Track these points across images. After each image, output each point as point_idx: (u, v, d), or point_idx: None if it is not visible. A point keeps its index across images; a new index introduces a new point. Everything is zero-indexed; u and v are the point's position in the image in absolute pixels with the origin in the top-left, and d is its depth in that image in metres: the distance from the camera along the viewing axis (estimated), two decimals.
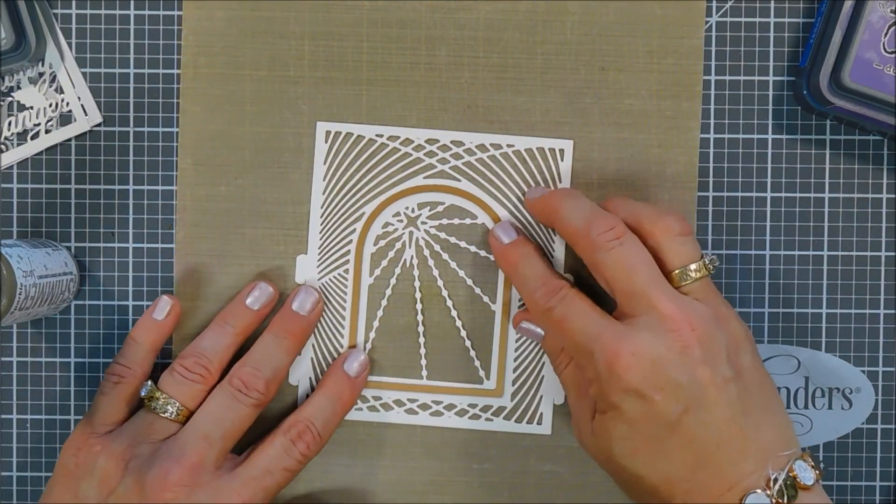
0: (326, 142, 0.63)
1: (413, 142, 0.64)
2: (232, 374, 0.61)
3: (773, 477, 0.54)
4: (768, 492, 0.54)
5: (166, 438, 0.59)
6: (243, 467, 0.60)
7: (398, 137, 0.64)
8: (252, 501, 0.59)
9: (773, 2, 0.64)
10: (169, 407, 0.60)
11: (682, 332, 0.55)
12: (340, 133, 0.63)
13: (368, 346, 0.64)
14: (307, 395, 0.64)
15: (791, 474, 0.54)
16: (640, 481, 0.56)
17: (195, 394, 0.60)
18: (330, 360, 0.64)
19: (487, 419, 0.64)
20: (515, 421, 0.64)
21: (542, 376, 0.64)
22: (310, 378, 0.64)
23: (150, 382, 0.61)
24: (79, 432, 0.60)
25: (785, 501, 0.54)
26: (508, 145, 0.64)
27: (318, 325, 0.64)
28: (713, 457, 0.55)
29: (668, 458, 0.55)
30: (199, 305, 0.64)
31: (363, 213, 0.64)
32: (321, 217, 0.64)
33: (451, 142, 0.64)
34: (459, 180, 0.64)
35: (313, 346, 0.64)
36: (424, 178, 0.64)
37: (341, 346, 0.64)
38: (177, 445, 0.59)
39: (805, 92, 0.62)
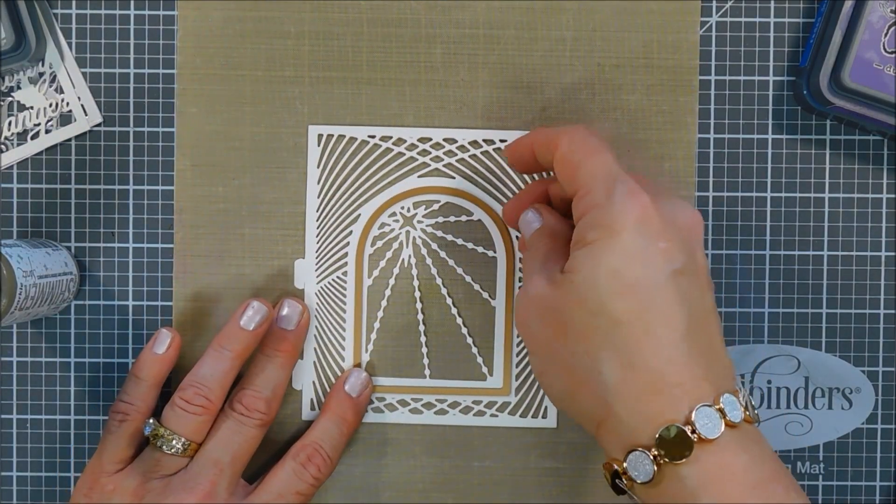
0: (319, 145, 0.63)
1: (406, 141, 0.64)
2: (232, 399, 0.61)
3: (741, 390, 0.52)
4: (740, 400, 0.51)
5: (177, 472, 0.59)
6: (256, 494, 0.60)
7: (390, 137, 0.64)
8: None
9: (773, 2, 0.63)
10: (174, 443, 0.59)
11: (696, 219, 0.54)
12: (333, 135, 0.63)
13: (370, 346, 0.64)
14: (311, 401, 0.64)
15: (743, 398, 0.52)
16: (616, 328, 0.51)
17: (199, 426, 0.60)
18: (332, 363, 0.64)
19: (492, 415, 0.64)
20: (521, 416, 0.64)
21: None
22: (313, 381, 0.64)
23: (152, 420, 0.60)
24: (89, 472, 0.60)
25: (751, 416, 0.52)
26: (501, 140, 0.64)
27: (320, 328, 0.64)
28: (693, 338, 0.52)
29: (659, 314, 0.51)
30: (198, 306, 0.64)
31: (359, 215, 0.64)
32: (317, 220, 0.64)
33: (444, 139, 0.64)
34: (454, 178, 0.64)
35: (315, 349, 0.64)
36: (419, 177, 0.64)
37: (343, 349, 0.64)
38: (189, 476, 0.59)
39: (805, 92, 0.61)
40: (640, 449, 0.51)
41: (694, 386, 0.51)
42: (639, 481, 0.51)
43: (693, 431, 0.50)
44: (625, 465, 0.51)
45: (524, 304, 0.56)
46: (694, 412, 0.50)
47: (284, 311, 0.62)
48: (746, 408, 0.52)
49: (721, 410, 0.50)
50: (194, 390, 0.60)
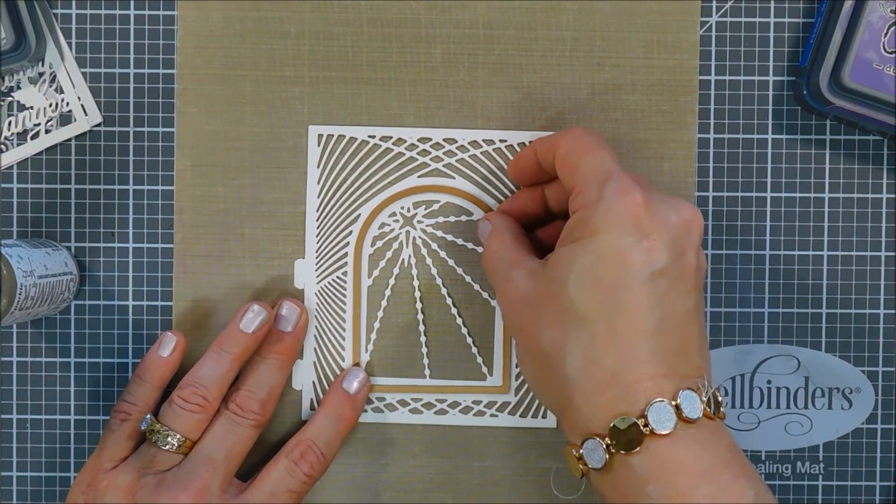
0: (319, 145, 0.63)
1: (406, 141, 0.64)
2: (228, 399, 0.61)
3: (705, 387, 0.53)
4: (702, 397, 0.53)
5: (171, 468, 0.60)
6: (248, 491, 0.60)
7: (390, 137, 0.64)
8: None
9: (773, 2, 0.63)
10: (170, 439, 0.60)
11: (694, 217, 0.55)
12: (333, 135, 0.64)
13: (370, 347, 0.64)
14: (311, 401, 0.64)
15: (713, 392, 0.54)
16: (582, 324, 0.53)
17: (195, 424, 0.60)
18: (332, 363, 0.64)
19: (492, 415, 0.64)
20: (520, 416, 0.64)
21: None
22: (313, 382, 0.64)
23: (149, 416, 0.60)
24: (87, 470, 0.60)
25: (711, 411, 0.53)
26: (501, 140, 0.64)
27: (319, 328, 0.64)
28: (661, 339, 0.53)
29: (626, 314, 0.53)
30: (198, 306, 0.64)
31: (359, 215, 0.64)
32: (317, 220, 0.64)
33: (444, 139, 0.64)
34: (454, 178, 0.64)
35: (315, 349, 0.64)
36: (418, 177, 0.64)
37: (343, 349, 0.64)
38: (182, 472, 0.59)
39: (805, 92, 0.61)
40: (594, 437, 0.53)
41: (652, 384, 0.52)
42: (592, 467, 0.53)
43: (645, 425, 0.52)
44: (581, 451, 0.53)
45: (506, 304, 0.58)
46: (648, 407, 0.52)
47: (283, 312, 0.63)
48: (709, 404, 0.53)
49: (678, 406, 0.52)
50: (192, 389, 0.60)
